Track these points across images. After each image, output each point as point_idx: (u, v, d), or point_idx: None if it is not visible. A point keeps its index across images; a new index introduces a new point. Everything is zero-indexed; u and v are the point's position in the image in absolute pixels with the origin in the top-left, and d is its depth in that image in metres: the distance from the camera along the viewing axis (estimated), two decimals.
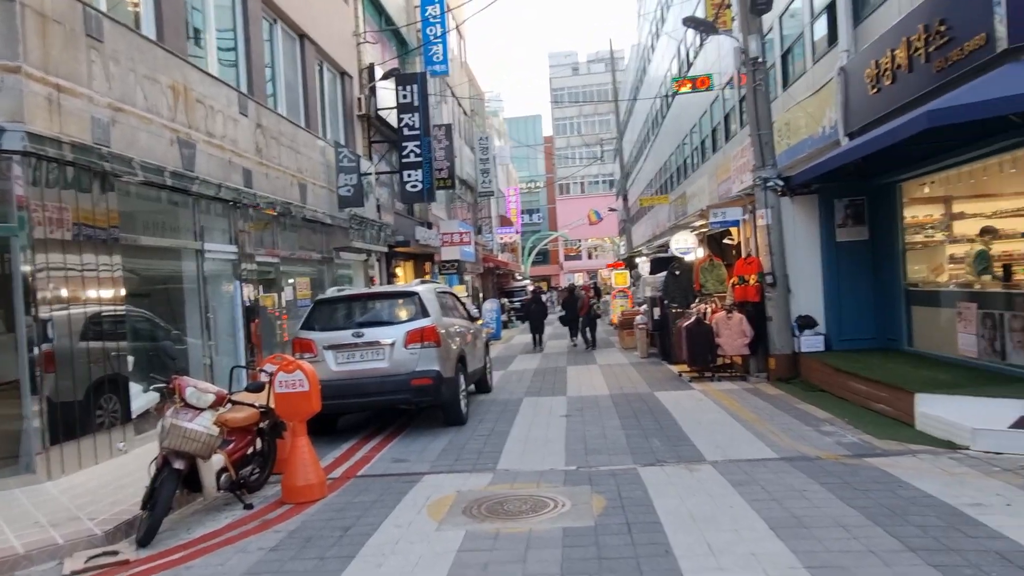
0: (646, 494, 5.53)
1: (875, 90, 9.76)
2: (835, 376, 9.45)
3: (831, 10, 11.86)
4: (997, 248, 8.54)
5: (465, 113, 32.85)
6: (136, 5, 9.04)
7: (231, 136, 10.63)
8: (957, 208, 9.59)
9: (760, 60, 11.19)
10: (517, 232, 55.93)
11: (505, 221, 48.16)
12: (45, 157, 6.79)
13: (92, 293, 7.45)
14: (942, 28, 7.98)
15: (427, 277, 22.21)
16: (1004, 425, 6.19)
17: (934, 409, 6.92)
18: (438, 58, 22.02)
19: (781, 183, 11.06)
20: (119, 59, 8.03)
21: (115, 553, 5.05)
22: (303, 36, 14.09)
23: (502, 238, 44.91)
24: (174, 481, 5.40)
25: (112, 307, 7.76)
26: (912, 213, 10.36)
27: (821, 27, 12.57)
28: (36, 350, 6.71)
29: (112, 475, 6.92)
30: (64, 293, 7.04)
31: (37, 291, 6.72)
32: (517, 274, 53.31)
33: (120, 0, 8.57)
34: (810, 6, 13.00)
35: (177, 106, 9.18)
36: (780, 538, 4.39)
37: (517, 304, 34.08)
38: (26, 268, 6.67)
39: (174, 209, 9.52)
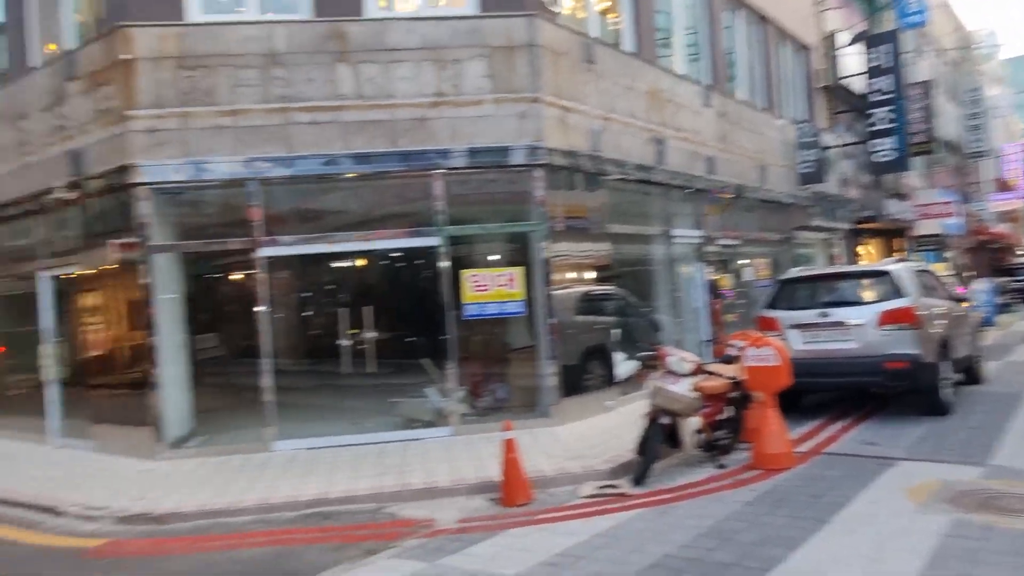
0: None
1: None
2: None
3: None
4: None
5: (948, 64, 28.47)
6: (618, 25, 10.42)
7: (695, 128, 11.43)
8: None
9: None
10: (1021, 198, 46.03)
11: (1003, 185, 40.15)
12: (554, 166, 8.43)
13: (585, 275, 8.99)
14: None
15: (903, 255, 20.21)
16: None
17: None
18: (913, 7, 19.60)
19: None
20: (605, 75, 9.42)
21: (615, 487, 6.16)
22: (763, 18, 14.19)
23: (999, 206, 37.62)
24: (660, 434, 6.32)
25: (599, 286, 9.23)
26: None
27: None
28: (546, 322, 8.41)
29: (600, 427, 8.25)
30: (565, 276, 8.65)
31: (550, 275, 8.39)
32: (1020, 249, 44.02)
33: (606, 25, 10.00)
34: None
35: (650, 108, 10.31)
36: None
37: (1022, 283, 28.34)
38: (545, 256, 8.39)
39: (643, 199, 10.71)
